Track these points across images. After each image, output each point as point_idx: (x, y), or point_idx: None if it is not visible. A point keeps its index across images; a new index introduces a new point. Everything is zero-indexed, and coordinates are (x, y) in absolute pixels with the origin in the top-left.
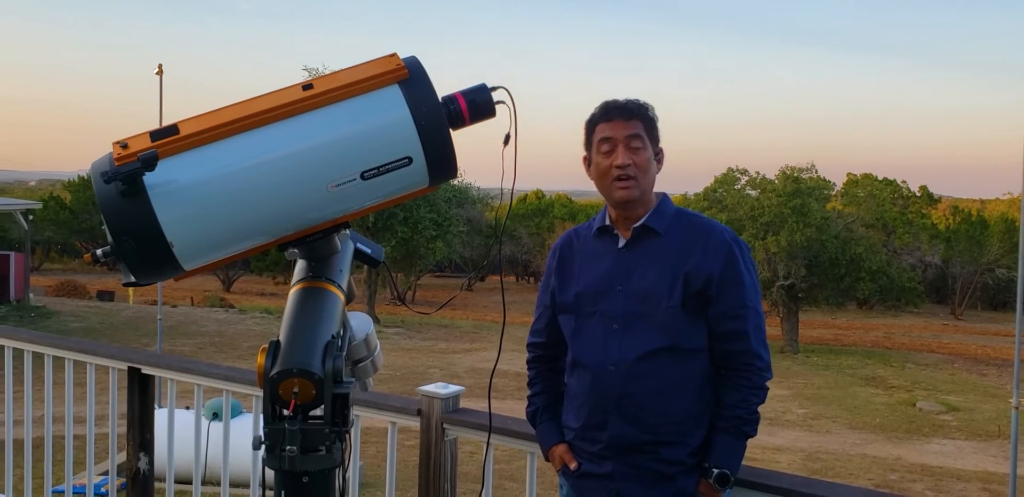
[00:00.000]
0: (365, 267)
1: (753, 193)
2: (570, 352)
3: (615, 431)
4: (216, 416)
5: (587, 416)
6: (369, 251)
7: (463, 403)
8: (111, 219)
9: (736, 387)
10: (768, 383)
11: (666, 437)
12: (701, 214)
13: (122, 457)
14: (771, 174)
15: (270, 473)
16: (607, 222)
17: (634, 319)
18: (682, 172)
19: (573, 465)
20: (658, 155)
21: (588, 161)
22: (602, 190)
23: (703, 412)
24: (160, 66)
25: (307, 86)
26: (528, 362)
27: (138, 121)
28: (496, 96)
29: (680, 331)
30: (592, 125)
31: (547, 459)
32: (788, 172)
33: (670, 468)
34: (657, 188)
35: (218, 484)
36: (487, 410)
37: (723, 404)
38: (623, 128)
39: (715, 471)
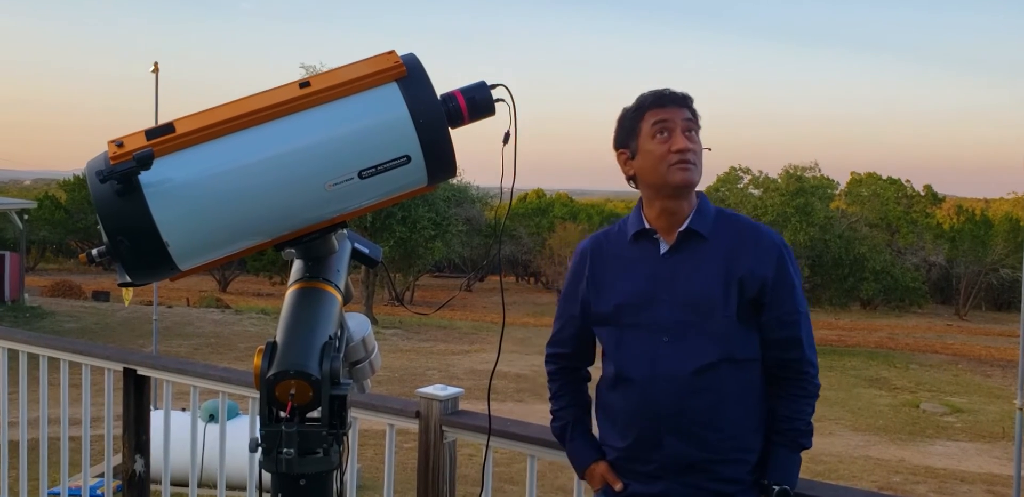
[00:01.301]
0: (363, 267)
1: (756, 192)
2: (611, 366)
3: (671, 450)
4: (212, 418)
5: (636, 435)
6: (367, 251)
7: (462, 405)
8: (106, 218)
9: (791, 397)
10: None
11: (725, 454)
12: (740, 214)
13: (118, 459)
14: (774, 173)
15: (267, 476)
16: (645, 225)
17: (685, 329)
18: None
19: (618, 486)
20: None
21: (630, 153)
22: (653, 178)
23: (759, 425)
24: (156, 64)
25: (304, 84)
26: (550, 374)
27: (134, 120)
28: (496, 94)
29: (735, 341)
30: (640, 113)
31: (582, 478)
32: (791, 171)
33: (729, 487)
34: None
35: (214, 487)
36: (486, 412)
37: (779, 416)
38: (678, 113)
39: (776, 488)
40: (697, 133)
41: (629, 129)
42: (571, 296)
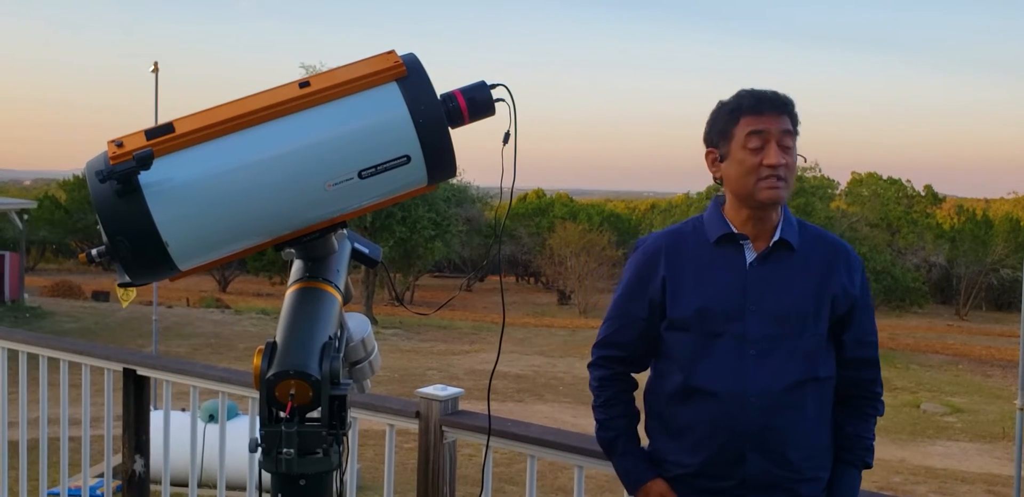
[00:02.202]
0: (363, 267)
1: None
2: (679, 376)
3: (755, 468)
4: (212, 418)
5: (715, 451)
6: (367, 251)
7: (462, 405)
8: (106, 219)
9: (863, 417)
10: None
11: (805, 473)
12: (818, 226)
13: (117, 459)
14: None
15: (267, 476)
16: (732, 229)
17: (774, 344)
18: (684, 170)
19: None
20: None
21: (720, 157)
22: (741, 189)
23: (831, 444)
24: (156, 64)
25: (304, 84)
26: (600, 379)
27: (134, 120)
28: (496, 93)
29: (820, 359)
30: (735, 116)
31: (633, 494)
32: None
33: None
34: (657, 186)
35: (214, 487)
36: (486, 412)
37: (848, 434)
38: (776, 122)
39: None
40: (794, 143)
41: (722, 131)
42: (636, 296)
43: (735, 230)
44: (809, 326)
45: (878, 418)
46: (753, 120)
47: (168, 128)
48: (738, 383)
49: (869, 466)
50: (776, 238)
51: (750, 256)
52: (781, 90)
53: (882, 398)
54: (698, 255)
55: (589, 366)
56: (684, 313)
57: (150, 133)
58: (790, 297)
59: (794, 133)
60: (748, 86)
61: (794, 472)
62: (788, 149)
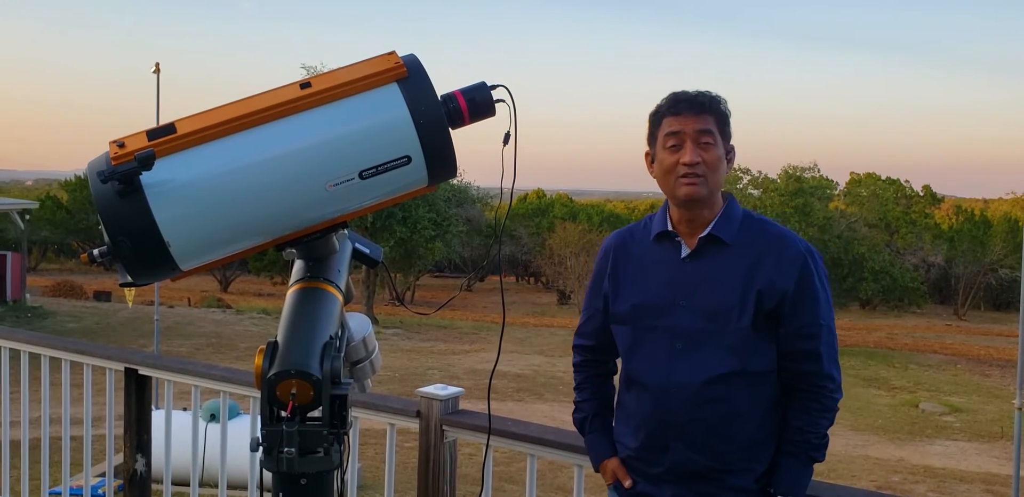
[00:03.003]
0: (363, 267)
1: (755, 192)
2: (625, 367)
3: (678, 457)
4: (214, 417)
5: (646, 438)
6: (367, 251)
7: (462, 404)
8: (108, 219)
9: (805, 410)
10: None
11: (732, 465)
12: (768, 219)
13: (119, 458)
14: (773, 173)
15: (268, 475)
16: (668, 227)
17: (701, 338)
18: None
19: (627, 483)
20: (729, 154)
21: (651, 157)
22: (665, 188)
23: (770, 437)
24: (157, 65)
25: (305, 84)
26: (575, 365)
27: (135, 120)
28: (496, 94)
29: (750, 353)
30: (657, 118)
31: (596, 470)
32: (790, 171)
33: (735, 495)
34: (655, 186)
35: (215, 486)
36: (486, 412)
37: (790, 427)
38: (693, 122)
39: None
40: (717, 140)
41: (650, 134)
42: (595, 291)
43: (671, 227)
44: (733, 321)
45: (879, 418)
46: (671, 121)
47: (170, 129)
48: (663, 376)
49: (817, 460)
50: (704, 234)
51: (684, 252)
52: (779, 91)
53: (834, 394)
54: (641, 252)
55: (572, 354)
56: (623, 308)
57: (152, 134)
58: (719, 292)
59: (717, 131)
60: (746, 86)
61: (722, 463)
62: (707, 146)
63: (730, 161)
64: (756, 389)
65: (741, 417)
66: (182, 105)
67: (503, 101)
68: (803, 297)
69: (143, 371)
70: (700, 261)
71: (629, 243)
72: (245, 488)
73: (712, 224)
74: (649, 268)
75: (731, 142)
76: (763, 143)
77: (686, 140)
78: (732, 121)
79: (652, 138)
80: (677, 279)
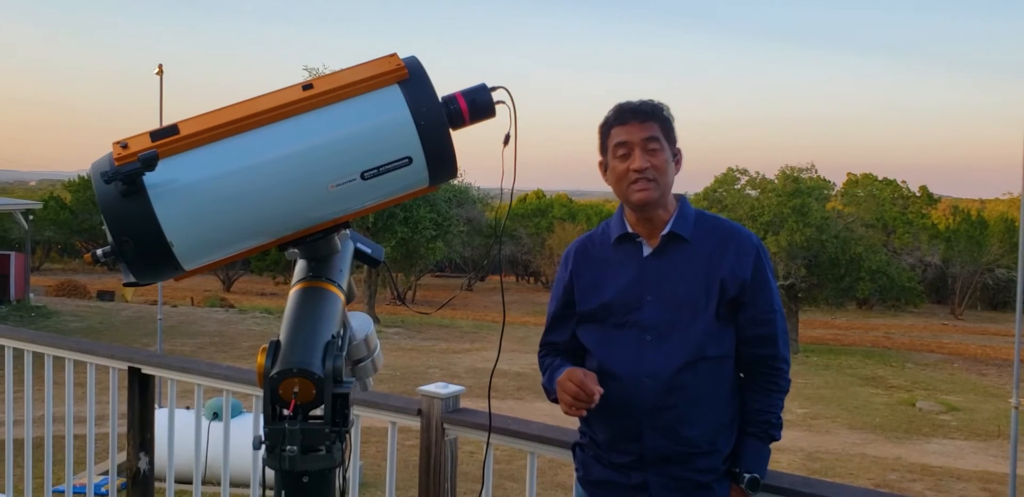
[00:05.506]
0: (365, 267)
1: (753, 193)
2: (594, 362)
3: (651, 444)
4: (216, 416)
5: (617, 428)
6: (369, 251)
7: (463, 403)
8: (111, 219)
9: (764, 392)
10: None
11: (701, 447)
12: (719, 216)
13: (122, 457)
14: (771, 174)
15: (270, 473)
16: (628, 229)
17: (668, 329)
18: (682, 172)
19: (597, 394)
20: (676, 156)
21: (604, 166)
22: (619, 194)
23: (733, 418)
24: (160, 66)
25: (307, 86)
26: (541, 358)
27: (138, 121)
28: (496, 96)
29: (713, 340)
30: (607, 129)
31: (555, 400)
32: (788, 172)
33: (705, 476)
34: None
35: (218, 484)
36: (487, 410)
37: (751, 409)
38: (639, 131)
39: (746, 476)
40: (664, 145)
41: (601, 144)
42: (558, 298)
43: (630, 230)
44: (699, 311)
45: (876, 417)
46: (619, 131)
47: (173, 130)
48: (635, 366)
49: (775, 439)
50: (666, 232)
51: (647, 251)
52: (777, 92)
53: (787, 375)
54: (604, 255)
55: (538, 356)
56: (591, 307)
57: (155, 135)
58: (683, 285)
59: (663, 137)
60: (741, 88)
61: (690, 447)
62: (655, 151)
63: (678, 163)
64: (718, 373)
65: (707, 401)
66: (185, 107)
67: (503, 103)
68: (759, 285)
69: (146, 370)
70: (663, 258)
71: (590, 248)
72: (247, 486)
73: (671, 223)
74: (614, 268)
75: (677, 145)
76: (761, 144)
77: (634, 148)
78: (732, 121)
79: (604, 148)
80: (643, 276)
